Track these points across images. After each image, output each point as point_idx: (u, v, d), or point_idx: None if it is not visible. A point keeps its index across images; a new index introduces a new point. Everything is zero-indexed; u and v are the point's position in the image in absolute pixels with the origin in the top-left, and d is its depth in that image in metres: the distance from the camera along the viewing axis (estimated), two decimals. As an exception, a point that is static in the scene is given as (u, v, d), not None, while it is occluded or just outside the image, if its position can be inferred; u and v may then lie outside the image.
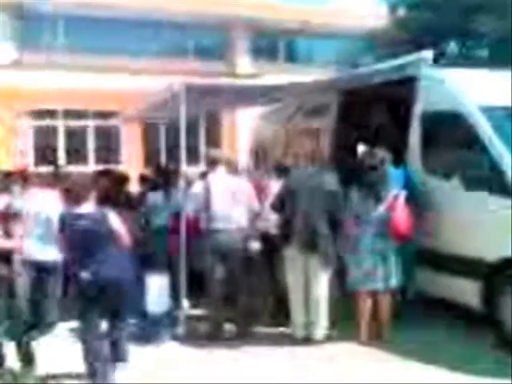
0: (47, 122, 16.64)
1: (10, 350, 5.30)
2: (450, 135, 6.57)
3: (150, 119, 12.83)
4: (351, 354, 5.71)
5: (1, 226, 5.27)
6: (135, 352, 5.60)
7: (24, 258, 5.70)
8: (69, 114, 16.67)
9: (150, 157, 16.02)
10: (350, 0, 18.82)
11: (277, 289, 6.55)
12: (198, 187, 6.48)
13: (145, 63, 16.86)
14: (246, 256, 6.33)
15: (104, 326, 5.20)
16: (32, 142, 16.42)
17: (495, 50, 15.44)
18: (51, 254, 5.96)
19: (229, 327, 6.30)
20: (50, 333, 5.98)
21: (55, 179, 6.36)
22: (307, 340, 5.93)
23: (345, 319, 6.14)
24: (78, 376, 5.16)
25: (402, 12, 17.96)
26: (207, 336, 6.18)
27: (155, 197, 7.36)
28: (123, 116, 11.89)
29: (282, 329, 6.25)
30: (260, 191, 6.72)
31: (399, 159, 6.72)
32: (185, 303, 6.37)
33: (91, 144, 17.10)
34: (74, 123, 16.90)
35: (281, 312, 6.36)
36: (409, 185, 6.38)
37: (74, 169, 14.09)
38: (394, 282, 5.95)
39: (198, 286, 6.38)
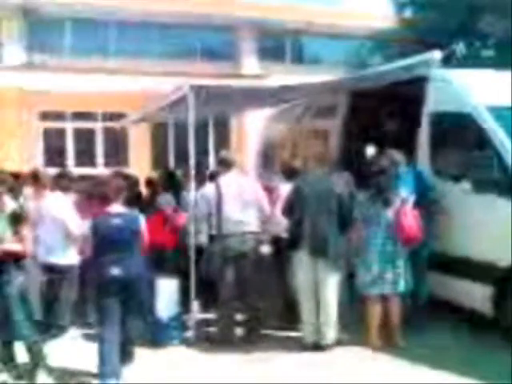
0: (56, 124, 16.69)
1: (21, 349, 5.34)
2: (459, 136, 6.56)
3: (158, 121, 12.83)
4: (361, 359, 5.70)
5: (12, 229, 5.29)
6: (145, 355, 5.63)
7: (36, 261, 5.74)
8: (77, 116, 16.71)
9: (159, 159, 16.05)
10: (357, 0, 18.79)
11: (287, 293, 6.53)
12: (208, 189, 6.45)
13: (152, 65, 16.85)
14: (256, 259, 6.32)
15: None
16: (41, 144, 16.48)
17: (503, 50, 15.38)
18: (66, 257, 6.02)
19: (238, 331, 6.30)
20: (61, 336, 6.04)
21: (62, 180, 6.43)
22: (317, 344, 5.91)
23: (355, 323, 6.12)
24: (88, 374, 5.21)
25: (409, 12, 17.94)
26: (217, 339, 6.18)
27: (165, 199, 7.36)
28: (132, 118, 11.91)
29: (292, 333, 6.24)
30: (269, 194, 6.71)
31: (409, 160, 6.70)
32: (195, 307, 6.37)
33: (100, 146, 17.13)
34: (83, 125, 16.95)
35: (291, 316, 6.35)
36: (420, 186, 6.34)
37: (82, 171, 14.17)
38: (402, 285, 5.92)
39: (208, 289, 6.38)
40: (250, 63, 18.81)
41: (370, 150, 6.59)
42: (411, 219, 5.87)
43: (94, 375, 5.13)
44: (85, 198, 6.52)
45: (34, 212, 5.88)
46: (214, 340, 6.18)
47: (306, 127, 9.48)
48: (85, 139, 17.01)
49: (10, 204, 5.33)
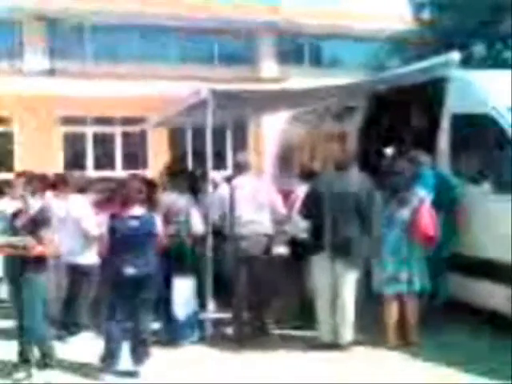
0: (76, 128, 16.86)
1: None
2: (479, 137, 6.51)
3: (176, 125, 12.91)
4: (377, 358, 5.69)
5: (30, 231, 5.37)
6: (161, 354, 5.68)
7: (60, 261, 5.85)
8: (97, 120, 16.87)
9: (177, 162, 16.11)
10: (375, 2, 18.71)
11: (304, 292, 6.55)
12: (223, 190, 6.56)
13: (171, 69, 16.97)
14: (269, 260, 6.37)
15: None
16: (62, 148, 16.65)
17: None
18: (86, 257, 6.14)
19: (247, 329, 6.33)
20: (79, 334, 6.12)
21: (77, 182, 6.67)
22: (334, 343, 5.91)
23: (372, 323, 6.11)
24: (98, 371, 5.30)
25: (427, 13, 17.83)
26: (232, 338, 6.23)
27: (183, 201, 7.37)
28: (151, 122, 12.00)
29: (309, 332, 6.24)
30: (287, 196, 6.74)
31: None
32: (211, 306, 6.41)
33: (119, 150, 17.27)
34: (102, 129, 17.10)
35: (308, 315, 6.36)
36: (441, 186, 6.30)
37: (101, 174, 14.29)
38: (418, 285, 5.89)
39: (224, 288, 6.42)
40: (269, 67, 18.84)
41: (388, 151, 6.57)
42: (428, 218, 5.84)
43: (103, 372, 5.23)
44: (105, 199, 6.63)
45: (56, 213, 5.98)
46: (229, 339, 6.22)
47: (324, 129, 9.47)
48: (104, 143, 17.16)
49: (35, 205, 5.41)
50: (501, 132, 6.14)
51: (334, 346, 5.88)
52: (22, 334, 5.32)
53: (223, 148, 16.88)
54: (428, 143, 7.02)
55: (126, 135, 17.09)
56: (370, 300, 6.18)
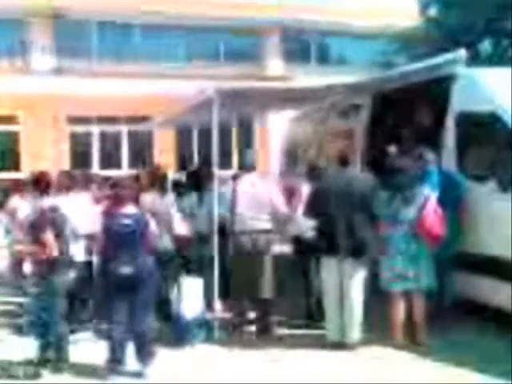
0: (82, 127, 16.89)
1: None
2: (485, 135, 6.49)
3: (182, 124, 12.92)
4: (384, 356, 5.68)
5: (31, 232, 5.43)
6: (169, 354, 5.69)
7: (66, 259, 5.89)
8: (103, 119, 16.90)
9: (183, 161, 16.14)
10: (381, 0, 18.65)
11: (310, 291, 6.54)
12: (225, 189, 6.63)
13: (176, 68, 16.98)
14: (270, 258, 6.38)
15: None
16: (68, 147, 16.69)
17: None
18: (80, 254, 6.22)
19: (250, 328, 6.37)
20: (81, 331, 6.20)
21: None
22: (342, 343, 5.90)
23: (379, 321, 6.10)
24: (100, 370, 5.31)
25: (434, 11, 17.76)
26: (245, 337, 6.25)
27: (189, 200, 7.39)
28: (157, 121, 12.01)
29: (316, 331, 6.23)
30: (292, 194, 6.74)
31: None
32: (217, 306, 6.41)
33: (125, 149, 17.29)
34: (108, 128, 17.12)
35: (315, 314, 6.34)
36: (447, 184, 6.28)
37: (108, 173, 14.31)
38: (425, 283, 5.88)
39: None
40: (275, 65, 18.82)
41: (392, 149, 6.56)
42: (433, 216, 5.82)
43: (109, 372, 5.24)
44: (104, 198, 6.69)
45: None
46: (239, 337, 6.25)
47: (331, 127, 9.46)
48: (110, 142, 17.19)
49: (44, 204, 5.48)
50: (507, 130, 6.11)
51: (341, 345, 5.87)
52: (42, 332, 5.40)
53: (229, 146, 16.87)
54: (434, 141, 7.00)
55: (132, 134, 17.10)
56: (377, 298, 6.16)
